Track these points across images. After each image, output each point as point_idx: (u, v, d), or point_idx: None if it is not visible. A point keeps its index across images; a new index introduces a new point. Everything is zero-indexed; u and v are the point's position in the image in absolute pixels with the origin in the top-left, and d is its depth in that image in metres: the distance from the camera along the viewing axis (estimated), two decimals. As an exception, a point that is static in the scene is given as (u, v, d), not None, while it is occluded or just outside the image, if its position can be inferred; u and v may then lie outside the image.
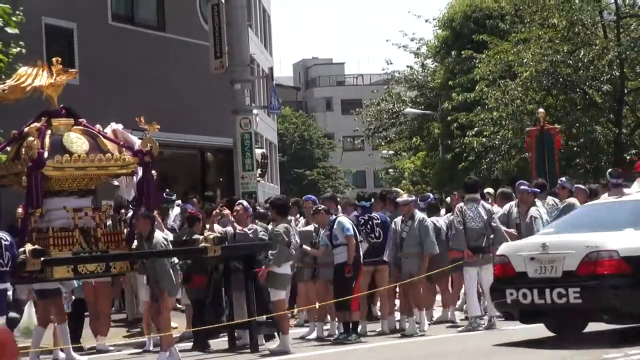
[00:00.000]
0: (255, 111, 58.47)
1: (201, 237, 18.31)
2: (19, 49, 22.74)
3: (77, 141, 17.36)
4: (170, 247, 17.72)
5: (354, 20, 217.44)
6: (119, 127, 18.52)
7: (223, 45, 25.53)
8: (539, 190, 21.44)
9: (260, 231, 19.33)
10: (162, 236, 17.57)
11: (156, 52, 32.12)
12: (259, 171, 28.88)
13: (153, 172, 17.98)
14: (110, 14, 31.15)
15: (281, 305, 18.28)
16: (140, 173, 17.95)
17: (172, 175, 34.00)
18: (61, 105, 17.92)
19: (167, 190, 25.43)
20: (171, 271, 17.11)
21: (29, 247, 16.15)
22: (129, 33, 31.61)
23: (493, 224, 19.97)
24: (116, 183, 18.69)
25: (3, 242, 15.08)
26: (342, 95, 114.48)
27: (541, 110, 30.54)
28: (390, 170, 74.46)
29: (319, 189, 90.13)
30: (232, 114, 25.30)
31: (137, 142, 18.15)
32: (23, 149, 17.20)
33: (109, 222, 18.90)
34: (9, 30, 22.71)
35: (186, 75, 31.93)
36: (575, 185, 22.34)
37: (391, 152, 67.04)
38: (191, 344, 19.29)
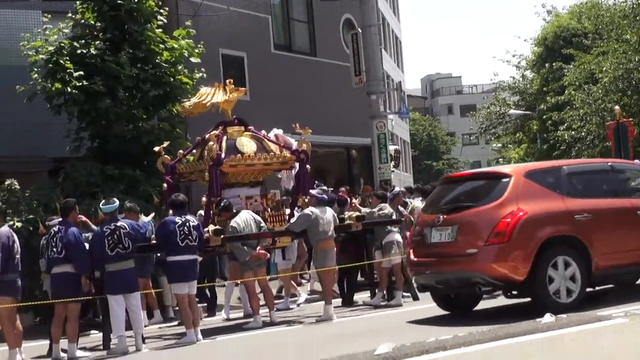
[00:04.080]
0: (391, 116, 58.66)
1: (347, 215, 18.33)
2: (200, 74, 22.97)
3: (247, 144, 17.50)
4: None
5: (467, 41, 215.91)
6: (280, 131, 18.64)
7: (361, 65, 25.46)
8: None
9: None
10: None
11: (309, 73, 32.16)
12: (392, 163, 28.68)
13: (307, 166, 18.04)
14: (273, 44, 31.28)
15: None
16: (297, 167, 18.06)
17: (326, 168, 34.07)
18: (234, 116, 18.08)
19: (317, 182, 25.50)
20: (244, 247, 16.49)
21: (211, 227, 16.35)
22: (287, 58, 31.70)
23: None
24: (279, 175, 18.83)
25: (191, 223, 15.42)
26: (460, 101, 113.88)
27: (617, 107, 29.81)
28: (500, 159, 73.62)
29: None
30: (370, 119, 25.24)
31: (294, 143, 18.24)
32: (205, 151, 17.45)
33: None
34: (192, 59, 22.97)
35: (334, 90, 31.95)
36: None
37: (499, 145, 66.47)
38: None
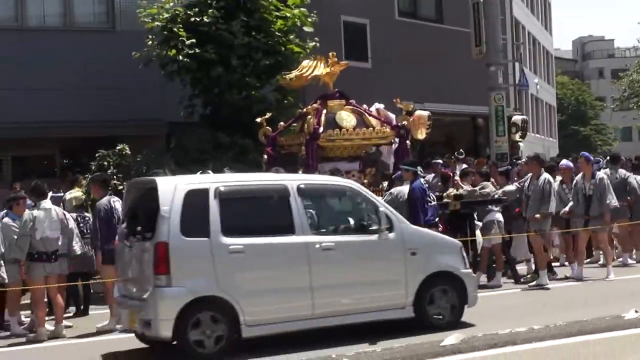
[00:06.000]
0: (535, 80, 57.23)
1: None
2: (314, 43, 22.82)
3: (346, 118, 17.37)
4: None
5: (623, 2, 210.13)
6: (381, 106, 18.45)
7: (482, 35, 24.95)
8: None
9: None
10: None
11: (435, 40, 31.63)
12: (519, 134, 27.89)
13: (407, 142, 17.77)
14: (397, 10, 30.89)
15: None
16: (397, 143, 17.80)
17: (451, 137, 33.69)
18: (336, 90, 17.89)
19: (460, 150, 25.13)
20: None
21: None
22: (412, 25, 31.26)
23: None
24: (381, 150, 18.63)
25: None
26: (612, 65, 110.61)
27: None
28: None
29: (591, 142, 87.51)
30: (488, 90, 24.70)
31: (394, 118, 18.01)
32: (305, 125, 17.37)
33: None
34: (305, 29, 22.84)
35: (459, 58, 31.24)
36: None
37: (644, 112, 64.65)
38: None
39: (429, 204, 15.96)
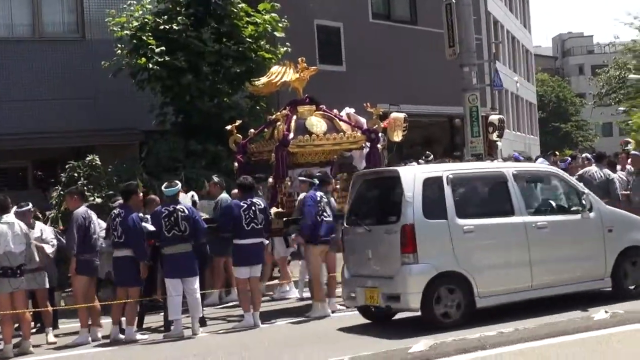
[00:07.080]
0: (515, 78, 57.15)
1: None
2: (285, 48, 22.68)
3: (317, 123, 17.13)
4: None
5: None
6: (351, 110, 18.17)
7: (455, 36, 24.84)
8: None
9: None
10: None
11: (409, 42, 31.50)
12: (496, 133, 27.80)
13: (378, 146, 17.61)
14: (371, 13, 30.77)
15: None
16: (368, 147, 17.64)
17: (430, 137, 33.61)
18: (306, 95, 17.70)
19: (428, 152, 25.01)
20: None
21: (273, 210, 16.12)
22: (386, 28, 31.12)
23: None
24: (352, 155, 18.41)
25: (257, 206, 15.21)
26: (592, 61, 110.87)
27: None
28: (630, 122, 71.61)
29: (572, 138, 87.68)
30: (462, 91, 24.59)
31: (365, 123, 17.82)
32: (275, 131, 17.18)
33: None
34: (276, 34, 22.70)
35: (435, 59, 31.17)
36: None
37: (622, 108, 64.52)
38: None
39: (324, 219, 15.57)
